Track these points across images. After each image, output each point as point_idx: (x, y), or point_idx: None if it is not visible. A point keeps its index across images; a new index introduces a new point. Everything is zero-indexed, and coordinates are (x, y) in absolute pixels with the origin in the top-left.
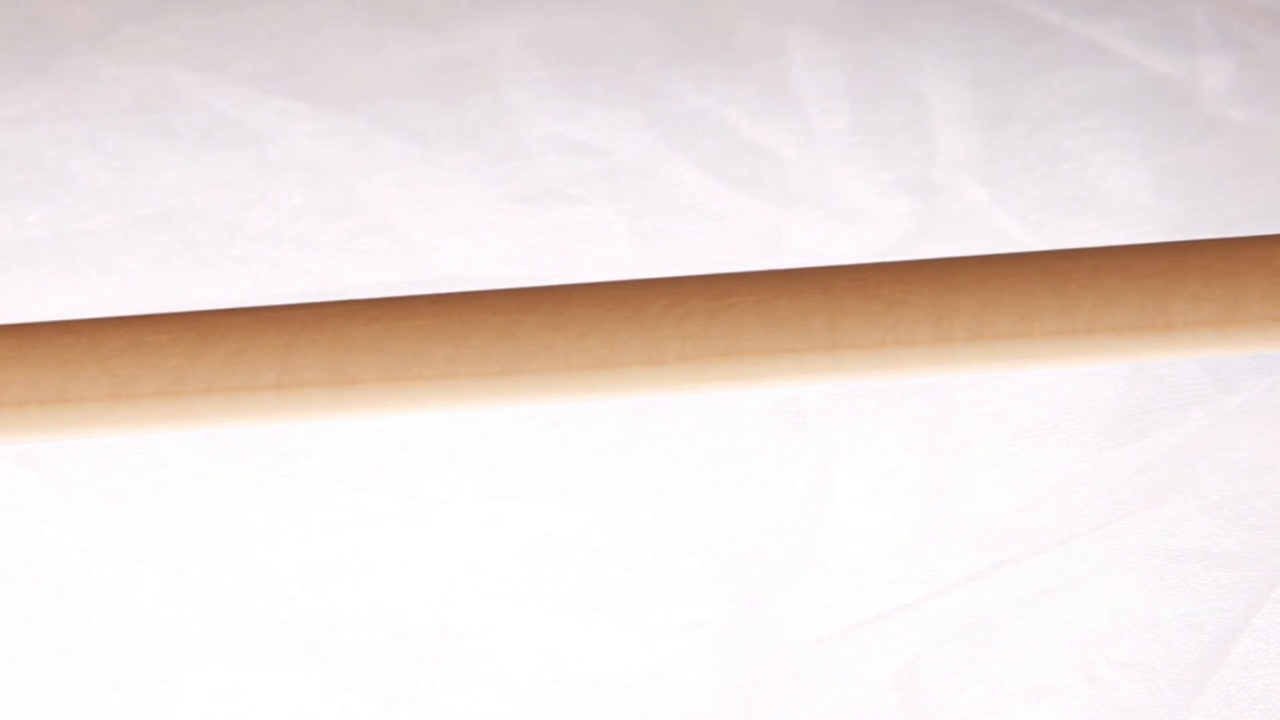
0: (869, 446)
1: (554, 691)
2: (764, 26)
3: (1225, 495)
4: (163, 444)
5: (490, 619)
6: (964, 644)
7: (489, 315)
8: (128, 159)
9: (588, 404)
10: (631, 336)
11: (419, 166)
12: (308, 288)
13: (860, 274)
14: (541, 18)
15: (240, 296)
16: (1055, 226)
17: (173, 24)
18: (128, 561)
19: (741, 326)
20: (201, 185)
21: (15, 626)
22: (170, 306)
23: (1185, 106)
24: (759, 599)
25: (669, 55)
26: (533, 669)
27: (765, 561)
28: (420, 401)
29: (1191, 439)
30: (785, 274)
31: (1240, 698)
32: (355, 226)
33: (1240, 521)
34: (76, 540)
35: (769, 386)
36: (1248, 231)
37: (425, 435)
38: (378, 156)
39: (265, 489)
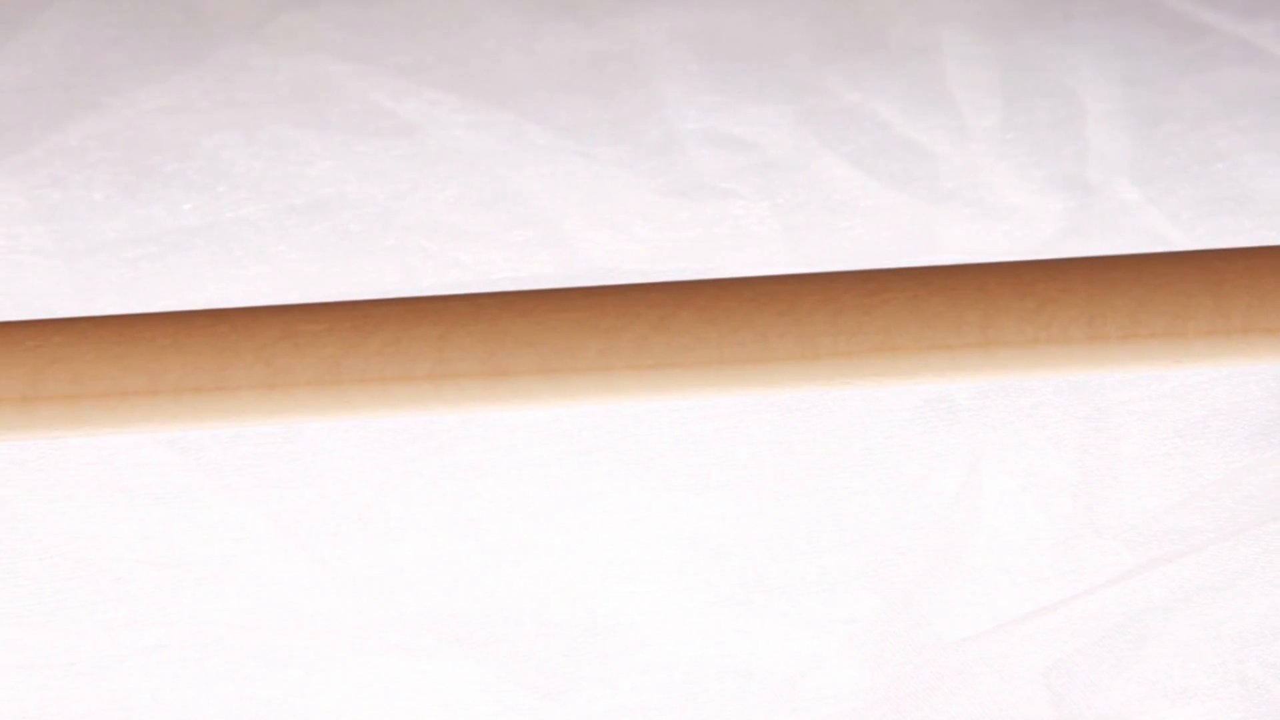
0: (1020, 444)
1: (703, 685)
2: (918, 23)
3: None
4: (316, 433)
5: (641, 612)
6: (1114, 643)
7: (643, 308)
8: (282, 149)
9: (740, 398)
10: (785, 332)
11: (572, 159)
12: (460, 279)
13: (1014, 271)
14: (695, 12)
15: (393, 287)
16: (1208, 226)
17: (328, 15)
18: (281, 550)
19: (895, 322)
20: (355, 175)
21: (169, 614)
22: (323, 296)
23: None
24: (909, 595)
25: (822, 50)
26: (682, 662)
27: (915, 558)
28: (574, 394)
29: None
30: (939, 270)
31: None
32: (508, 218)
33: None
34: (230, 528)
35: (921, 383)
36: None
37: (578, 427)
38: (531, 149)
39: (418, 479)
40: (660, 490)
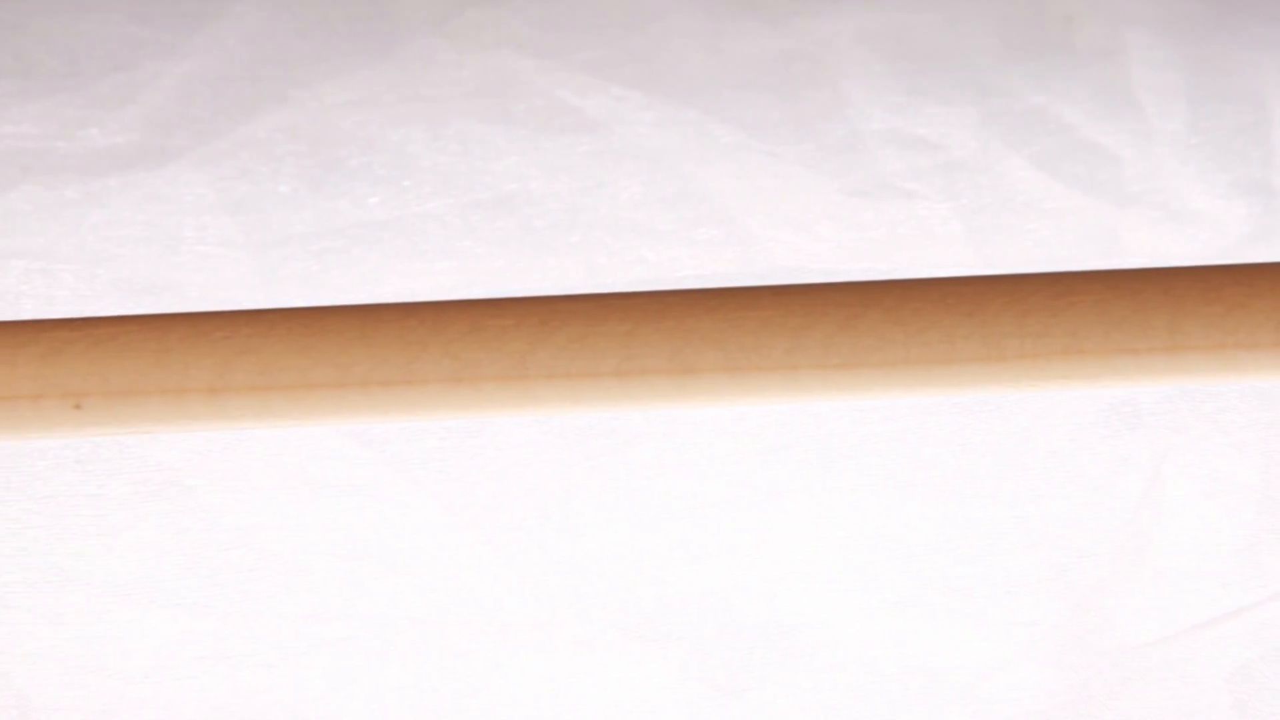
0: (1204, 449)
1: (885, 685)
2: (1104, 26)
3: None
4: (500, 428)
5: (823, 611)
6: None
7: (830, 308)
8: (467, 143)
9: (924, 399)
10: (972, 333)
11: (756, 157)
12: (645, 276)
13: (1201, 275)
14: (880, 12)
15: (577, 283)
16: None
17: (514, 10)
18: (464, 545)
19: (1081, 325)
20: (540, 171)
21: (352, 606)
22: (507, 291)
23: None
24: (1091, 598)
25: (1007, 52)
26: (864, 662)
27: (1098, 561)
28: (760, 392)
29: None
30: (1126, 274)
31: None
32: (692, 216)
33: None
34: (414, 522)
35: (1107, 386)
36: None
37: (761, 426)
38: (715, 146)
39: (602, 475)
40: (844, 490)
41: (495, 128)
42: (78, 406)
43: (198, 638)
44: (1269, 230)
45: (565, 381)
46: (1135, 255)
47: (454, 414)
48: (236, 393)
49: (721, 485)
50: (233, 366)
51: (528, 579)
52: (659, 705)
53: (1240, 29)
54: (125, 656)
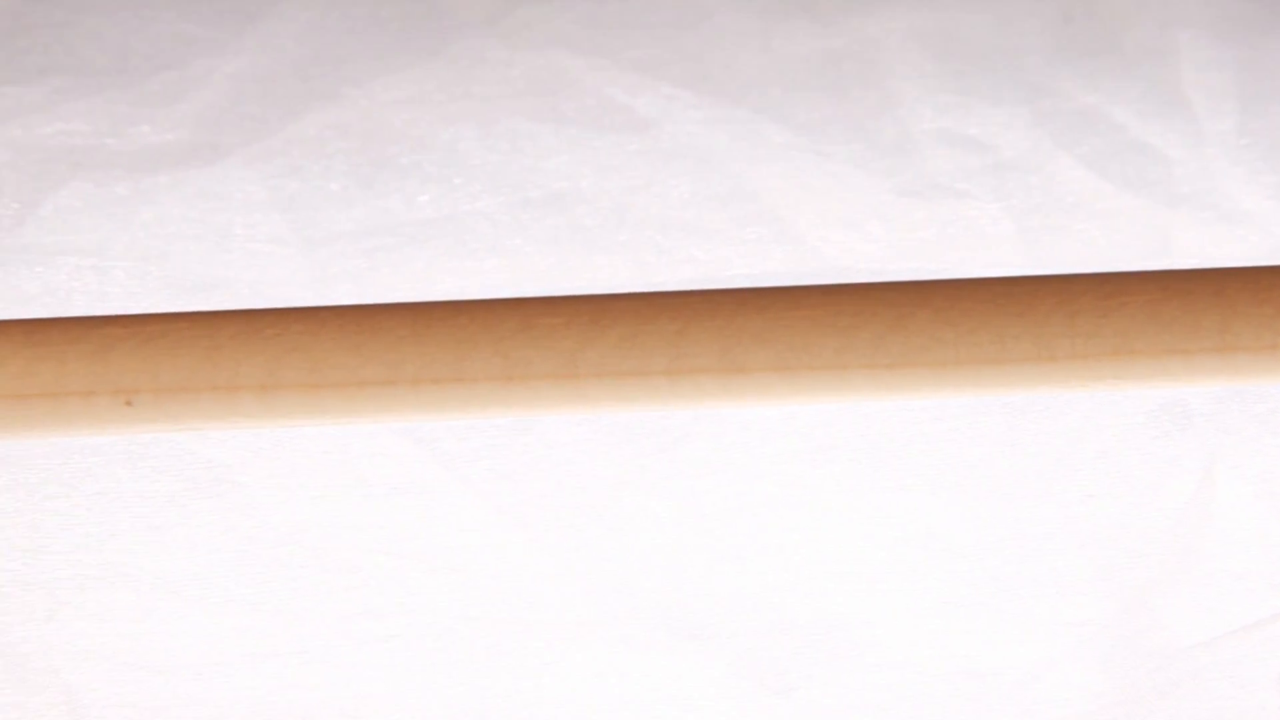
0: (1254, 450)
1: (934, 685)
2: (1154, 26)
3: None
4: (550, 426)
5: (872, 611)
6: None
7: (880, 307)
8: (517, 142)
9: (974, 399)
10: (1022, 333)
11: (806, 157)
12: (694, 275)
13: (1253, 276)
14: (930, 12)
15: (627, 282)
16: None
17: (565, 9)
18: (514, 543)
19: (1132, 326)
20: (590, 170)
21: (401, 604)
22: (557, 289)
23: None
24: (1140, 599)
25: (1057, 52)
26: (913, 662)
27: (1148, 562)
28: (810, 392)
29: None
30: (1176, 274)
31: None
32: (742, 215)
33: None
34: (464, 519)
35: (1158, 387)
36: None
37: (810, 425)
38: (765, 145)
39: (651, 474)
40: (893, 490)
41: (545, 126)
42: (128, 403)
43: (247, 635)
44: None
45: (615, 380)
46: (1185, 256)
47: (504, 412)
48: (287, 390)
49: (770, 484)
50: (283, 364)
51: (577, 577)
52: (707, 704)
53: None
54: (174, 653)
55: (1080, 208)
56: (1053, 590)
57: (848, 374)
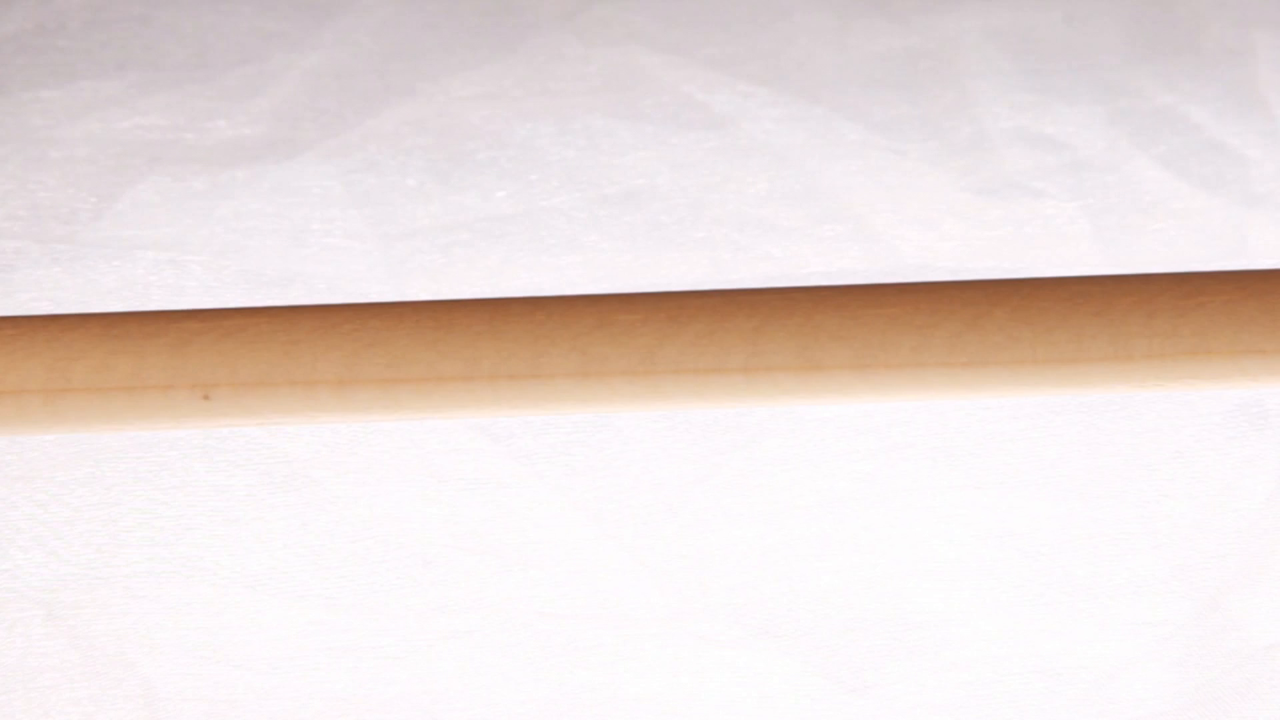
0: None
1: (1009, 684)
2: (1231, 26)
3: None
4: (626, 422)
5: (947, 609)
6: None
7: (957, 306)
8: (594, 138)
9: (1051, 398)
10: (1099, 332)
11: (882, 155)
12: (770, 272)
13: None
14: (1006, 11)
15: (702, 279)
16: None
17: (641, 6)
18: (589, 539)
19: (1210, 326)
20: (667, 167)
21: (478, 599)
22: (633, 286)
23: None
24: (1217, 600)
25: (1134, 52)
26: (989, 661)
27: (1224, 563)
28: (886, 390)
29: None
30: (1255, 275)
31: None
32: (818, 213)
33: None
34: (540, 516)
35: (1235, 387)
36: None
37: (887, 423)
38: (841, 144)
39: (727, 471)
40: (969, 489)
41: (622, 123)
42: (206, 397)
43: (323, 629)
44: None
45: (692, 377)
46: (1263, 256)
47: (580, 408)
48: (364, 385)
49: (847, 482)
50: (361, 359)
51: (652, 574)
52: (782, 701)
53: None
54: (251, 648)
55: (1157, 207)
56: (1129, 590)
57: (924, 372)
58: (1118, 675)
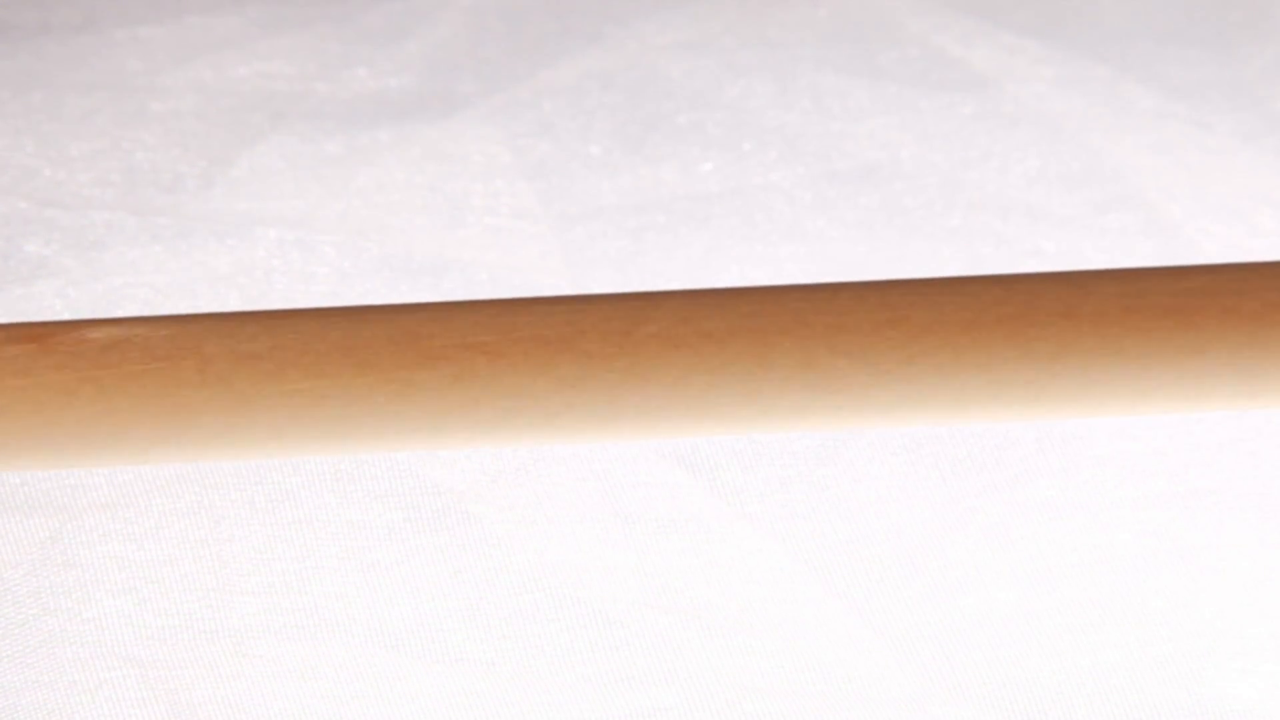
0: None
1: None
2: None
3: None
4: (858, 453)
5: (1256, 694)
6: None
7: None
8: (822, 100)
9: None
10: None
11: (1182, 128)
12: (1042, 269)
13: None
14: None
15: (957, 275)
16: None
17: None
18: (813, 598)
19: None
20: (912, 138)
21: (673, 669)
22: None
23: None
24: None
25: None
26: None
27: None
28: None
29: None
30: None
31: None
32: (1101, 198)
33: None
34: (752, 568)
35: None
36: None
37: (1181, 464)
38: (1131, 113)
39: (984, 518)
40: None
41: (857, 81)
42: None
43: (482, 701)
44: None
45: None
46: None
47: (803, 427)
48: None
49: (1133, 534)
50: None
51: (890, 643)
52: None
53: None
54: None
55: None
56: None
57: None
58: None
